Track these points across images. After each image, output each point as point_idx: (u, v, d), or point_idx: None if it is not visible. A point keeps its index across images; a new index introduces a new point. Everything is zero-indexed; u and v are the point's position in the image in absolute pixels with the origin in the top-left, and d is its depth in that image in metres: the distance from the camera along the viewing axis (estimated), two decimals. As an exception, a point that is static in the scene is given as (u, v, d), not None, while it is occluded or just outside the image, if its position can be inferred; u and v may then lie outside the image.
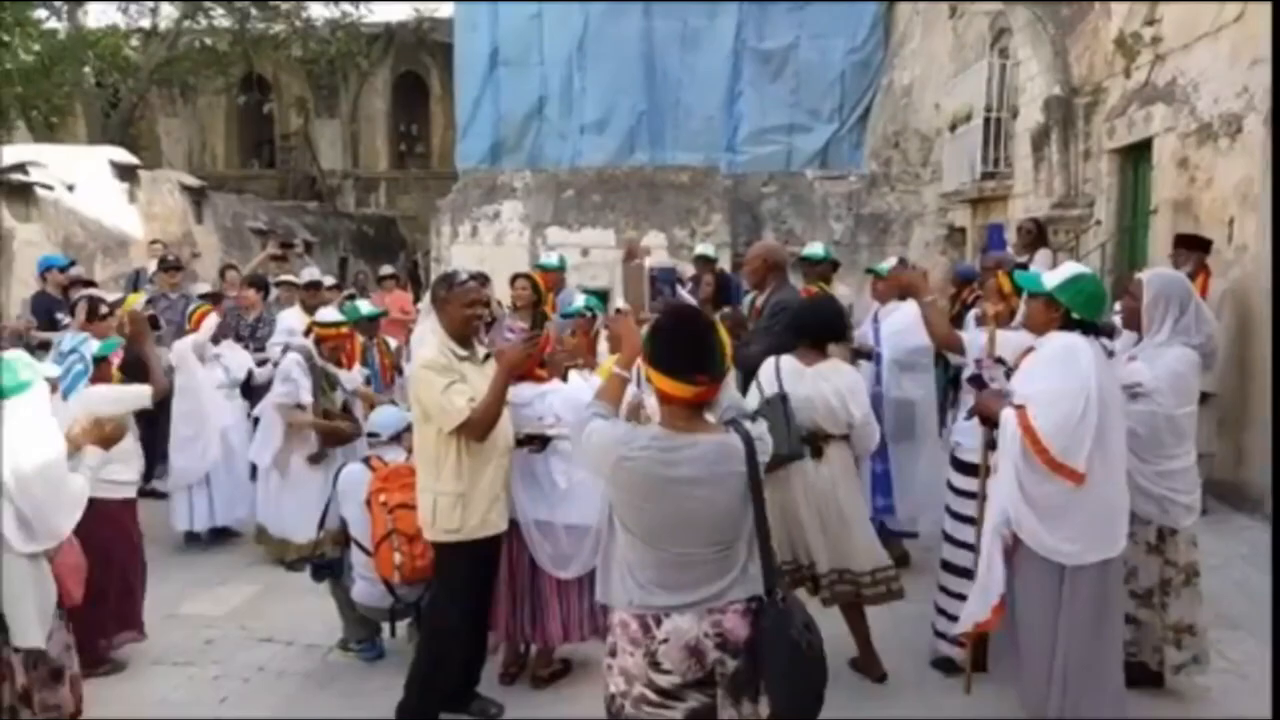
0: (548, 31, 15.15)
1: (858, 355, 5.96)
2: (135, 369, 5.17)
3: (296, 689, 4.52)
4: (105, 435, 3.92)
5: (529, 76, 15.27)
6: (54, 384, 4.31)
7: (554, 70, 15.20)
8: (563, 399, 4.26)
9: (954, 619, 3.96)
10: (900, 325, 5.62)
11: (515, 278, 7.22)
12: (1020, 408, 3.44)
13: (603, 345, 5.95)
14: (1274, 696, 3.48)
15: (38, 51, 19.86)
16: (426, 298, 4.39)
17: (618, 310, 3.10)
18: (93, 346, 4.81)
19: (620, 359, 3.10)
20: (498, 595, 4.32)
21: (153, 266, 9.42)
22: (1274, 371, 3.55)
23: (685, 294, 6.71)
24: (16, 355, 3.77)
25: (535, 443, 4.19)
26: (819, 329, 4.44)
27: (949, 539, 4.41)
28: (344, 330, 6.33)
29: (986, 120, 11.64)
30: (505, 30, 15.30)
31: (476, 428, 3.83)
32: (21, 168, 12.73)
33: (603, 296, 8.39)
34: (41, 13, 20.84)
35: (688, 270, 8.48)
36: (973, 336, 6.16)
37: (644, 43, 14.62)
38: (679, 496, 2.50)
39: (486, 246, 13.54)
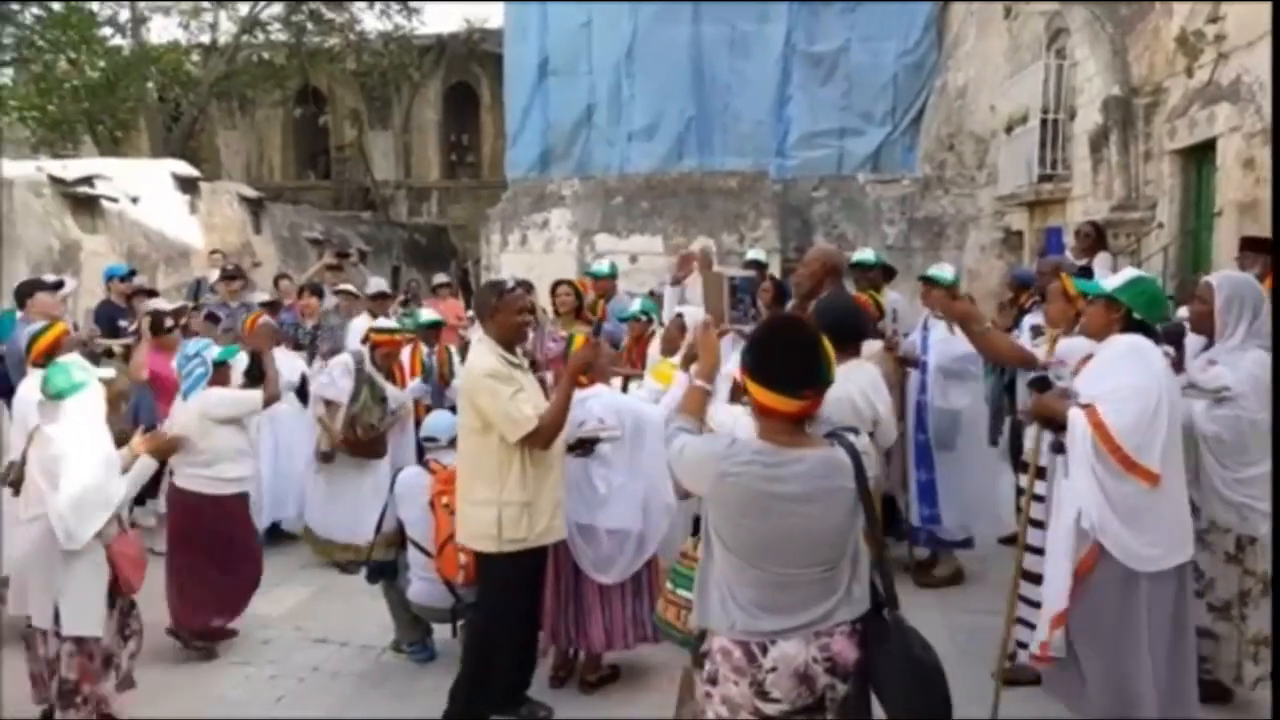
0: (596, 39, 15.21)
1: (904, 363, 5.87)
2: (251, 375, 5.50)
3: (350, 689, 4.57)
4: (159, 446, 4.20)
5: (578, 85, 15.34)
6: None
7: (602, 78, 15.25)
8: (603, 404, 4.27)
9: (1034, 627, 3.85)
10: (948, 333, 5.52)
11: (557, 284, 7.23)
12: (1088, 407, 3.35)
13: (653, 349, 5.95)
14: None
15: (103, 68, 20.43)
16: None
17: (704, 322, 3.00)
18: (214, 352, 5.02)
19: (700, 371, 2.97)
20: (550, 597, 4.34)
21: (214, 276, 9.59)
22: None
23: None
24: (73, 358, 4.03)
25: (584, 447, 4.17)
26: (835, 329, 4.34)
27: (1029, 547, 4.27)
28: (398, 338, 6.42)
29: (1043, 122, 11.44)
30: (554, 39, 15.39)
31: (544, 435, 3.82)
32: (88, 181, 13.09)
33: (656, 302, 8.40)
34: (106, 30, 21.46)
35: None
36: (1024, 343, 6.11)
37: (693, 48, 14.62)
38: (784, 514, 2.38)
39: (536, 254, 13.62)
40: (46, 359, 4.48)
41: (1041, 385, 3.72)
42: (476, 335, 4.13)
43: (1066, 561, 3.39)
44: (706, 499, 2.51)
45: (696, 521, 3.68)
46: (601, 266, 8.13)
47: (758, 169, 13.94)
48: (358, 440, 6.02)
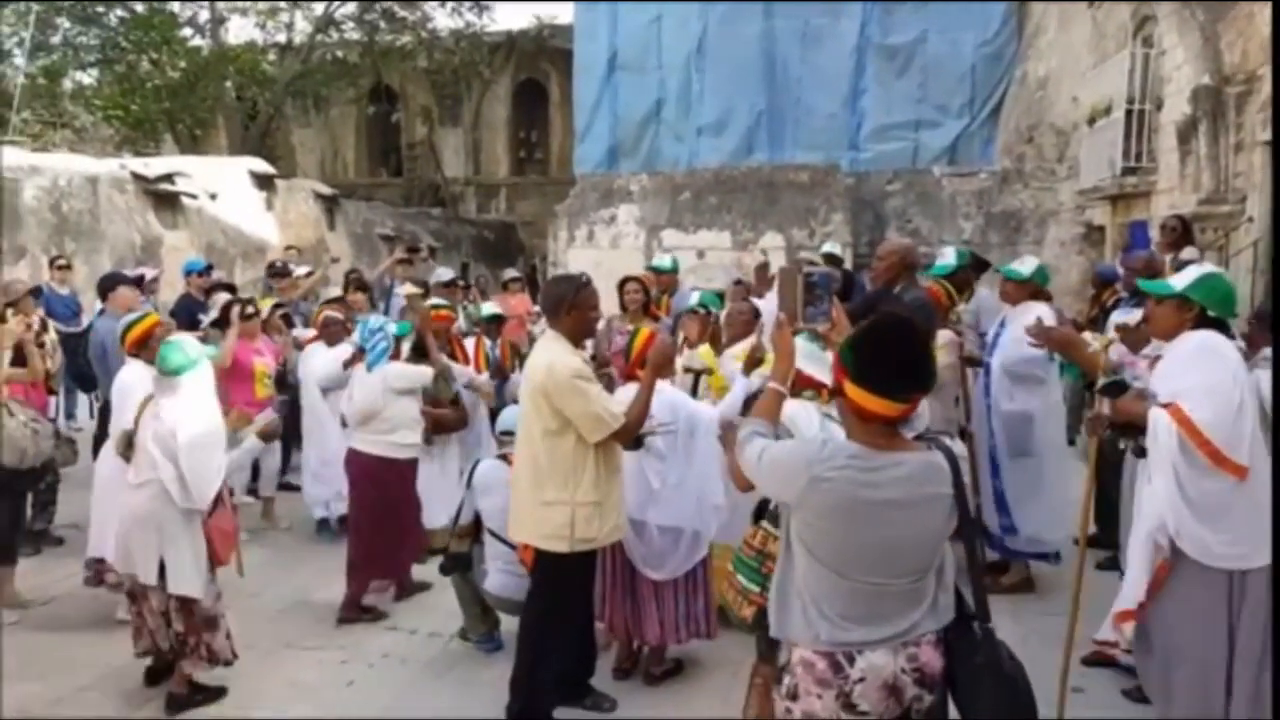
0: (666, 35, 15.16)
1: (969, 363, 5.69)
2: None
3: (418, 675, 4.59)
4: (266, 430, 4.60)
5: (647, 80, 15.31)
6: (359, 355, 5.47)
7: (672, 73, 15.19)
8: (661, 400, 4.21)
9: None
10: (1020, 333, 5.30)
11: (625, 281, 7.15)
12: (1169, 405, 3.20)
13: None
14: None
15: (183, 68, 20.99)
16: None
17: (777, 322, 2.86)
18: (393, 328, 5.52)
19: (774, 373, 2.83)
20: (607, 590, 4.34)
21: (299, 270, 9.73)
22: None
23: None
24: (184, 338, 4.43)
25: (636, 442, 4.13)
26: None
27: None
28: (448, 313, 6.66)
29: (1128, 113, 11.06)
30: (624, 35, 15.38)
31: (628, 433, 3.80)
32: (169, 178, 13.44)
33: (720, 296, 8.30)
34: (187, 31, 22.04)
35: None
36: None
37: (764, 42, 14.47)
38: (880, 521, 2.27)
39: (603, 250, 13.60)
40: (139, 348, 4.91)
41: (1116, 390, 3.56)
42: (547, 333, 3.94)
43: (1145, 564, 3.27)
44: (794, 506, 2.37)
45: (759, 510, 3.61)
46: (663, 261, 8.06)
47: (830, 162, 13.74)
48: (436, 418, 6.01)
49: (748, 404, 4.32)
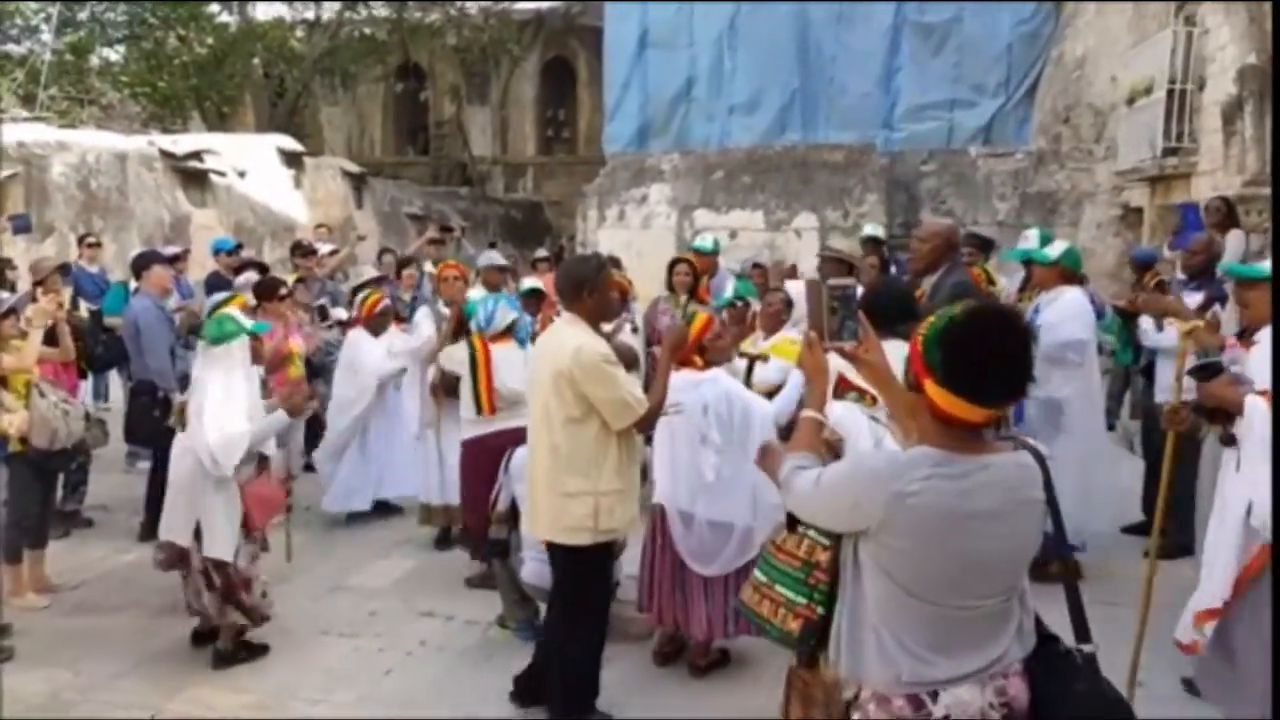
0: (698, 12, 14.95)
1: None
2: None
3: (456, 663, 4.55)
4: (296, 404, 4.65)
5: (678, 58, 15.11)
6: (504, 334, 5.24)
7: (704, 51, 14.99)
8: (716, 390, 4.14)
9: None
10: (1056, 318, 5.13)
11: (675, 262, 7.03)
12: (1265, 392, 3.07)
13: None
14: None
15: (211, 45, 20.99)
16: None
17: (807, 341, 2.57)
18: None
19: (810, 400, 2.54)
20: (655, 582, 4.25)
21: (324, 249, 9.69)
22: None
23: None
24: (232, 310, 4.63)
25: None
26: (884, 309, 4.06)
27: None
28: (464, 268, 6.69)
29: (1170, 92, 10.78)
30: (655, 12, 15.18)
31: (649, 419, 3.69)
32: (198, 155, 13.43)
33: (757, 279, 8.19)
34: (214, 7, 21.98)
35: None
36: (1149, 324, 5.69)
37: (798, 20, 14.25)
38: (973, 535, 2.01)
39: (634, 230, 13.47)
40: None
41: (1208, 372, 3.41)
42: (565, 315, 3.76)
43: (1232, 559, 3.14)
44: (876, 532, 2.06)
45: (790, 517, 3.50)
46: (704, 242, 7.91)
47: (864, 142, 13.53)
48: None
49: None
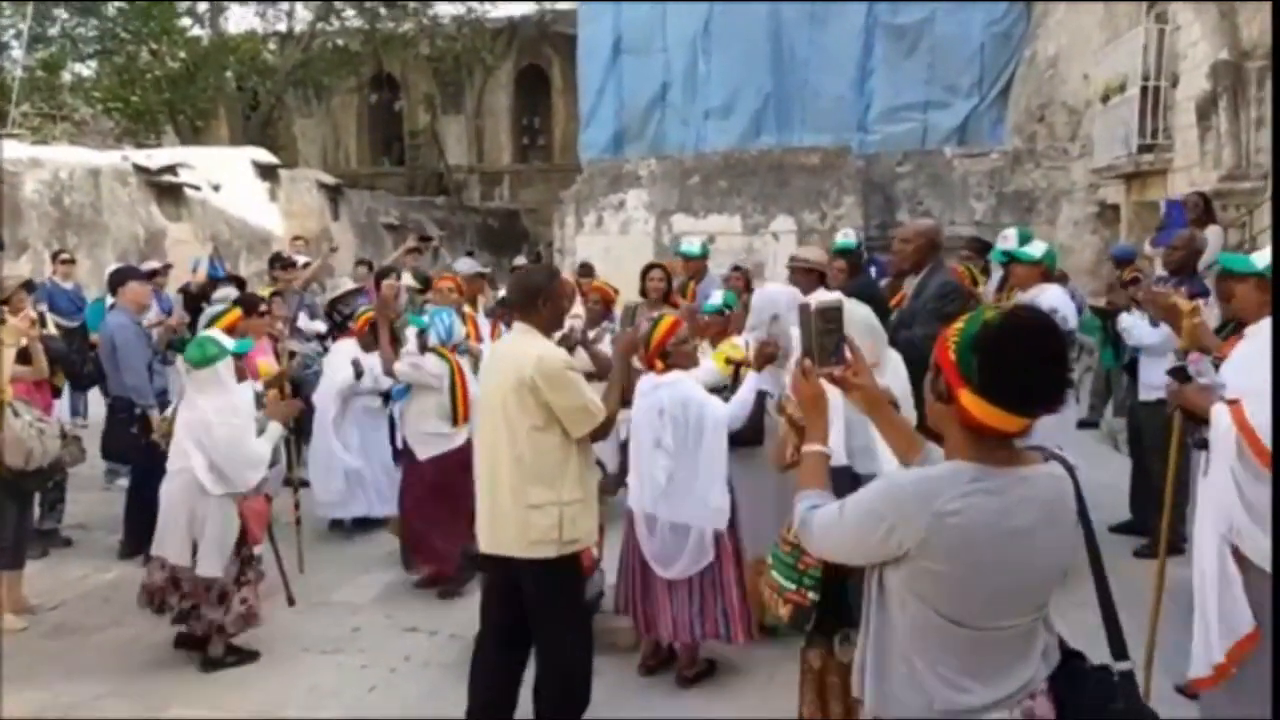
0: (671, 16, 14.98)
1: None
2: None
3: (441, 679, 4.46)
4: (287, 414, 4.91)
5: (652, 63, 15.14)
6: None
7: (678, 56, 15.01)
8: (672, 394, 4.12)
9: None
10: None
11: (649, 268, 7.00)
12: (1234, 403, 3.06)
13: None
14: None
15: (183, 59, 20.88)
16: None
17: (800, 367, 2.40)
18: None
19: (812, 432, 2.34)
20: (626, 585, 4.28)
21: (300, 260, 9.59)
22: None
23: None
24: (212, 333, 4.71)
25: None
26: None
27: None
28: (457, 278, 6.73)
29: (1143, 89, 10.89)
30: (628, 17, 15.20)
31: (610, 425, 3.67)
32: (172, 170, 13.32)
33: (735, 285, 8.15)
34: (186, 21, 21.87)
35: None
36: (1130, 323, 5.69)
37: (771, 23, 14.28)
38: (1017, 552, 1.89)
39: (612, 236, 13.46)
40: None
41: (1180, 375, 3.41)
42: (518, 326, 3.69)
43: (1221, 569, 3.10)
44: (910, 556, 1.92)
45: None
46: (692, 247, 7.86)
47: (839, 145, 13.57)
48: None
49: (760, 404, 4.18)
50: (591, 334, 6.17)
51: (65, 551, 6.31)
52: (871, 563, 2.02)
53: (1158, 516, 3.84)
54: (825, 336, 2.32)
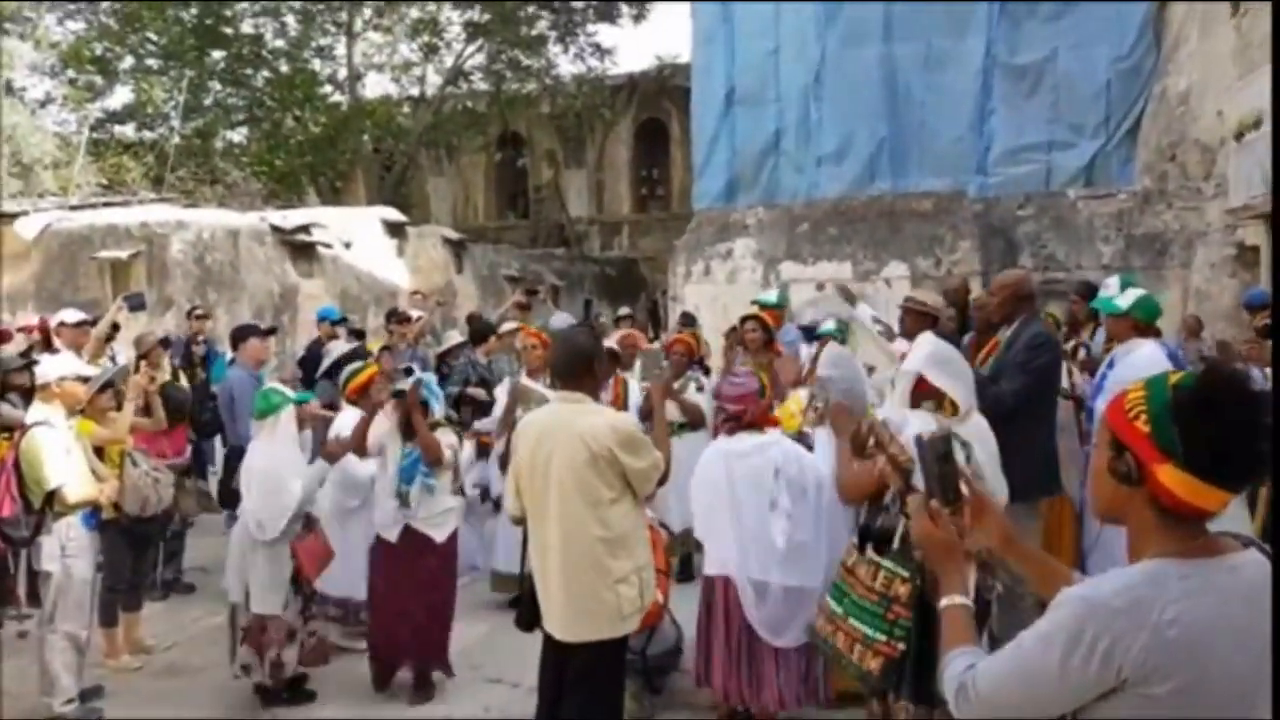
0: (784, 65, 14.97)
1: (1078, 405, 5.26)
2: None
3: (520, 733, 4.50)
4: (331, 450, 5.05)
5: (764, 112, 15.13)
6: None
7: (790, 104, 14.97)
8: (785, 453, 4.06)
9: None
10: (1130, 374, 4.75)
11: (745, 320, 6.94)
12: None
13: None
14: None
15: (324, 124, 22.10)
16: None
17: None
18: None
19: (946, 581, 2.02)
20: (724, 656, 4.12)
21: (414, 313, 9.96)
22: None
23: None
24: (275, 385, 5.15)
25: None
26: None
27: None
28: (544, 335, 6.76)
29: (1280, 124, 10.27)
30: (741, 68, 15.27)
31: (666, 472, 3.59)
32: (305, 229, 14.05)
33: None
34: (326, 88, 23.21)
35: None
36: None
37: (884, 67, 14.10)
38: (1239, 656, 1.63)
39: (719, 284, 13.46)
40: (359, 395, 5.55)
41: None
42: (566, 394, 3.55)
43: None
44: (1129, 685, 1.62)
45: (861, 540, 3.35)
46: (769, 296, 7.73)
47: (955, 189, 13.25)
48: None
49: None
50: (676, 385, 6.18)
51: (187, 596, 6.66)
52: (1075, 706, 1.69)
53: None
54: (942, 472, 2.07)
